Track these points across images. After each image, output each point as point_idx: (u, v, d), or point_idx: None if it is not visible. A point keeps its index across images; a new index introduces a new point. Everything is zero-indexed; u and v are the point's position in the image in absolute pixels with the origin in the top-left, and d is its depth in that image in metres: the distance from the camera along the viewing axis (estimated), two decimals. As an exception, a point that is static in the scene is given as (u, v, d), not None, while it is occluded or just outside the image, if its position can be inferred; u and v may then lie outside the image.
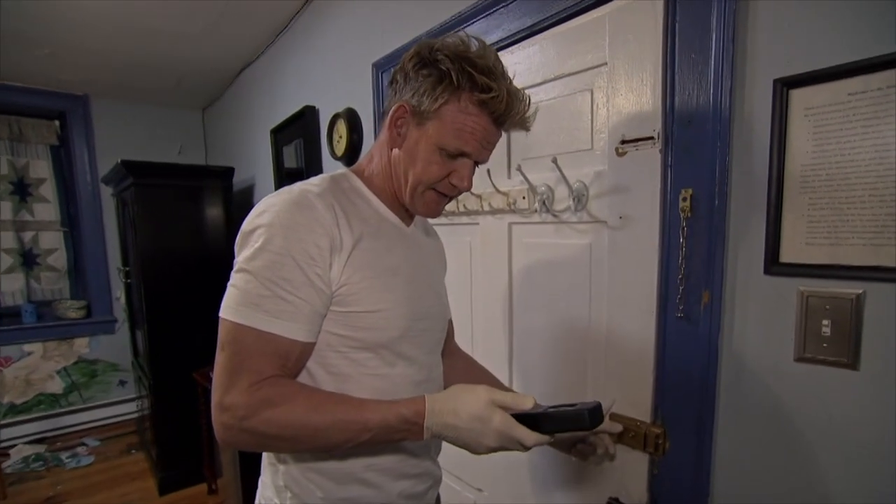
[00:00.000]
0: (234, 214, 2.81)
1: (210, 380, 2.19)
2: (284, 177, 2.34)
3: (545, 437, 0.63)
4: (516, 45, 1.16)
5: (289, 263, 0.63)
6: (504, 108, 0.68)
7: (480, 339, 1.35)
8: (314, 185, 0.70)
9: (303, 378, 0.70)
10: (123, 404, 3.54)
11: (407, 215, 0.81)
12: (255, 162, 2.84)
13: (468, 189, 0.74)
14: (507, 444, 0.62)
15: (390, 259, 0.73)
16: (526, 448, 0.63)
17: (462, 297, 1.36)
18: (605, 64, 0.98)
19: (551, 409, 0.64)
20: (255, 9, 2.14)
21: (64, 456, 3.01)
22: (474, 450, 0.63)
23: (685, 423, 0.86)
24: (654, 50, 0.88)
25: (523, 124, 0.74)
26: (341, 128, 1.81)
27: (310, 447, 0.66)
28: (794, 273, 0.72)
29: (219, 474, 2.41)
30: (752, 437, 0.79)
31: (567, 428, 0.64)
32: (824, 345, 0.69)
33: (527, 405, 0.63)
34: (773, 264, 0.74)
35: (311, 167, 2.08)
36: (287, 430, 0.61)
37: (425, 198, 0.74)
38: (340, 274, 0.66)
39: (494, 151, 0.76)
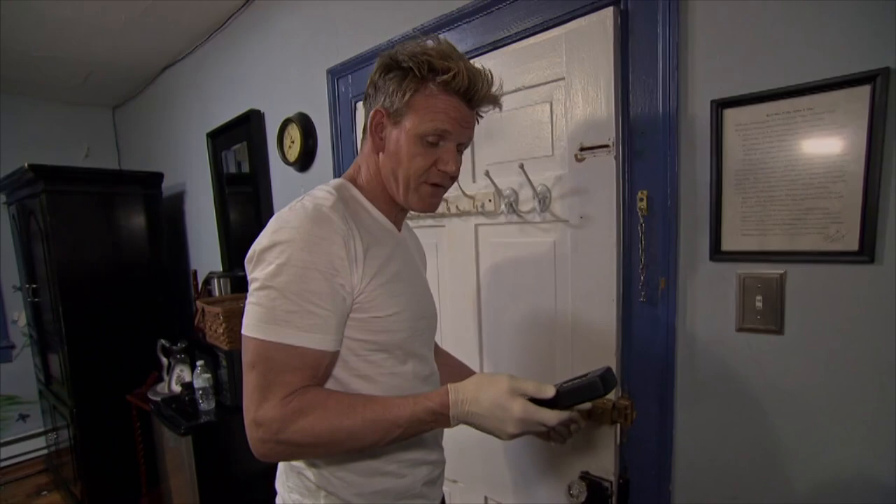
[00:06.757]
0: (163, 222, 2.61)
1: (149, 402, 2.03)
2: (226, 182, 2.24)
3: (565, 413, 0.67)
4: (478, 59, 1.24)
5: (315, 276, 0.64)
6: (468, 84, 0.71)
7: (449, 333, 1.41)
8: (323, 198, 0.71)
9: (332, 384, 0.72)
10: (27, 441, 3.13)
11: (397, 220, 0.85)
12: (187, 167, 2.67)
13: (455, 172, 0.76)
14: (530, 428, 0.66)
15: (393, 265, 0.76)
16: (549, 428, 0.67)
17: (431, 297, 1.42)
18: (563, 79, 1.09)
19: (565, 385, 0.70)
20: (187, 6, 2.03)
21: (-45, 507, 2.61)
22: (498, 436, 0.67)
23: (649, 395, 1.00)
24: (606, 68, 1.01)
25: (494, 101, 0.77)
26: (294, 132, 1.78)
27: (345, 450, 0.68)
28: (733, 259, 0.88)
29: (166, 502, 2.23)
30: (705, 400, 0.94)
31: (585, 398, 0.68)
32: (758, 316, 0.86)
33: (549, 394, 0.67)
34: (717, 252, 0.89)
35: (258, 172, 2.01)
36: (322, 438, 0.63)
37: (420, 192, 0.76)
38: (360, 282, 0.69)
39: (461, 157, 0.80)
